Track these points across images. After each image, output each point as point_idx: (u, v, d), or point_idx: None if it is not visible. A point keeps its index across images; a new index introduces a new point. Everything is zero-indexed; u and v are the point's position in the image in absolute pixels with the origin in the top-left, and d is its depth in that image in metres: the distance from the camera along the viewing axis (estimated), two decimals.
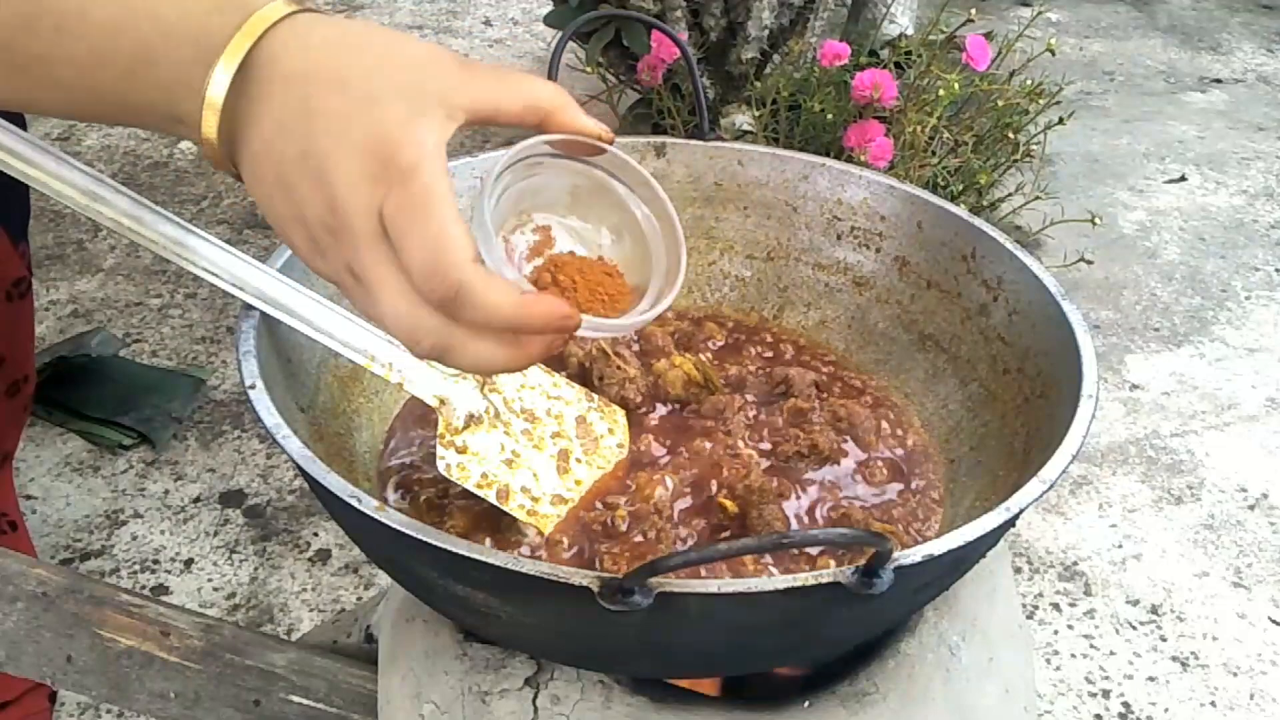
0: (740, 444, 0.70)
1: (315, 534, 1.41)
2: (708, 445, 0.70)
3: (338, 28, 0.49)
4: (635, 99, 1.99)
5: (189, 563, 1.37)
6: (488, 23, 2.95)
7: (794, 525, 0.65)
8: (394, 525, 0.51)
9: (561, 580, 0.49)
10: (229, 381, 1.66)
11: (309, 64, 0.48)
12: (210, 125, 0.48)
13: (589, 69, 1.85)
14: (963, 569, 0.61)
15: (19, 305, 1.03)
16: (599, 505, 0.66)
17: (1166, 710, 1.26)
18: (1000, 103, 1.66)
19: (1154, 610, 1.39)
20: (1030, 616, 1.37)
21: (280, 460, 1.52)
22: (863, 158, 1.49)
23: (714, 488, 0.67)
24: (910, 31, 2.07)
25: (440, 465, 0.63)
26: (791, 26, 1.88)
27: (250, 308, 0.62)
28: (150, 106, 0.50)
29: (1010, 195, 1.73)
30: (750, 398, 0.75)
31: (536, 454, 0.66)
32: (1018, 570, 1.43)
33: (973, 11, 1.60)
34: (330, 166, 0.46)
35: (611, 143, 0.54)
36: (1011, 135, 1.65)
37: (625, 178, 0.56)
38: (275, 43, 0.48)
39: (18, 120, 1.00)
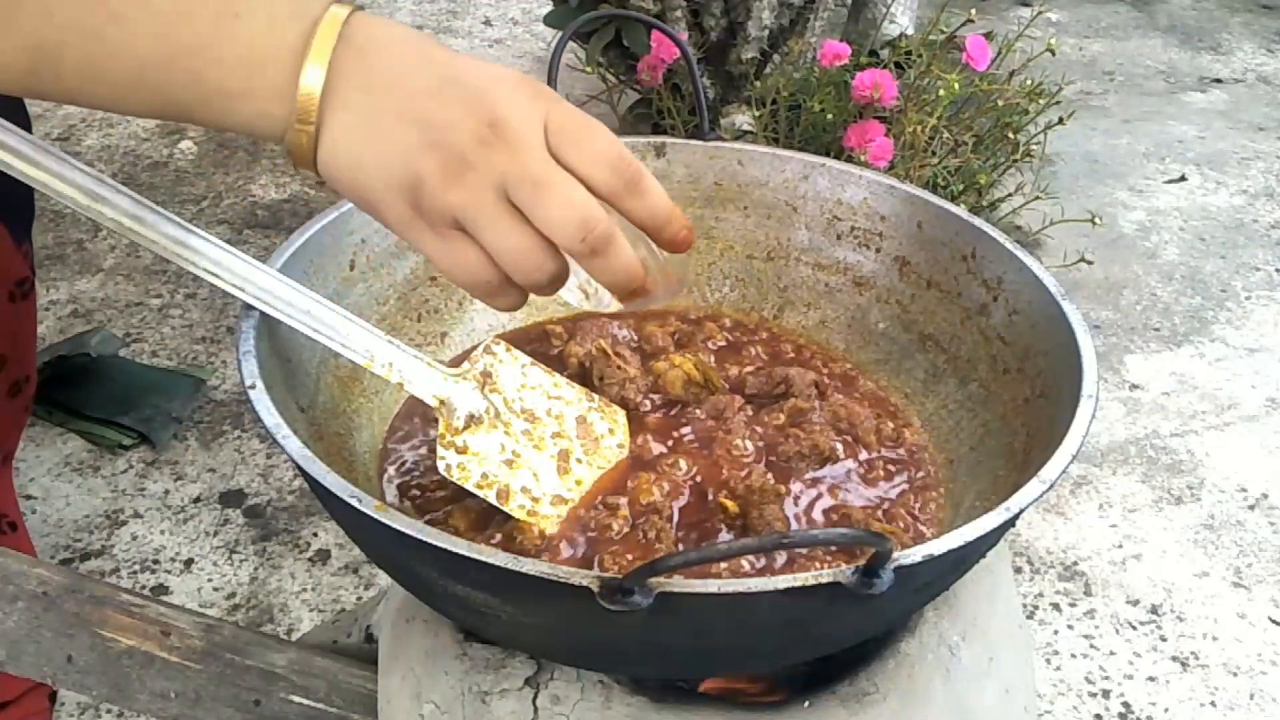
0: (740, 444, 0.70)
1: (315, 534, 1.41)
2: (708, 445, 0.70)
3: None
4: (635, 99, 1.99)
5: (189, 563, 1.37)
6: (488, 23, 2.95)
7: (794, 525, 0.65)
8: (394, 525, 0.51)
9: (561, 580, 0.49)
10: (229, 381, 1.66)
11: (404, 31, 0.52)
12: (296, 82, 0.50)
13: (589, 69, 1.85)
14: (963, 569, 0.61)
15: (22, 305, 1.03)
16: (599, 505, 0.66)
17: (1166, 710, 1.26)
18: (1000, 103, 1.66)
19: (1154, 610, 1.39)
20: (1030, 616, 1.37)
21: (280, 460, 1.52)
22: (863, 158, 1.49)
23: (714, 488, 0.67)
24: (910, 31, 2.07)
25: (440, 465, 0.63)
26: (791, 26, 1.88)
27: (250, 308, 0.62)
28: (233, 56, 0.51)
29: (1010, 195, 1.73)
30: (750, 398, 0.75)
31: (537, 454, 0.66)
32: (1018, 570, 1.43)
33: (973, 11, 1.60)
34: (485, 87, 0.50)
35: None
36: (1011, 135, 1.65)
37: None
38: (358, 19, 0.51)
39: (22, 121, 1.00)
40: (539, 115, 0.51)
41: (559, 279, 0.54)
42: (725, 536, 0.65)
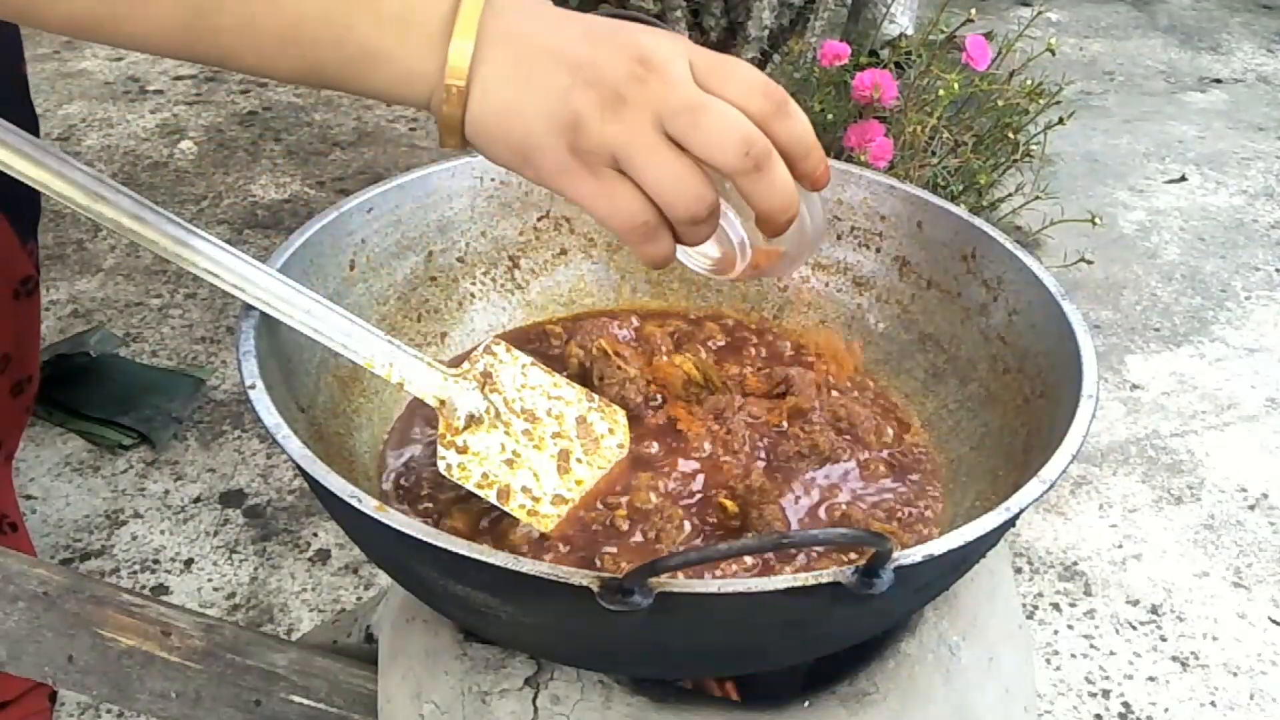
0: (740, 444, 0.70)
1: (315, 534, 1.41)
2: (708, 445, 0.70)
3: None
4: None
5: (189, 563, 1.37)
6: None
7: (794, 525, 0.65)
8: (394, 525, 0.51)
9: (561, 580, 0.49)
10: (229, 381, 1.66)
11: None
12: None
13: None
14: (963, 569, 0.61)
15: (26, 304, 1.03)
16: (599, 505, 0.66)
17: (1166, 710, 1.26)
18: (1000, 103, 1.66)
19: (1154, 610, 1.39)
20: (1030, 616, 1.37)
21: (280, 460, 1.52)
22: (863, 158, 1.49)
23: (714, 488, 0.67)
24: (910, 31, 2.07)
25: (441, 465, 0.63)
26: (791, 26, 1.88)
27: (250, 308, 0.62)
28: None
29: (1010, 195, 1.73)
30: (750, 397, 0.75)
31: (537, 454, 0.66)
32: (1018, 570, 1.43)
33: (973, 11, 1.60)
34: (628, 32, 0.52)
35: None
36: (1011, 135, 1.65)
37: None
38: None
39: (30, 124, 1.01)
40: (683, 52, 0.52)
41: (715, 214, 0.54)
42: (725, 536, 0.65)
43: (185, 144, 2.27)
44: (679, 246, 0.57)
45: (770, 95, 0.53)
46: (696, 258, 0.63)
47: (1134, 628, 1.36)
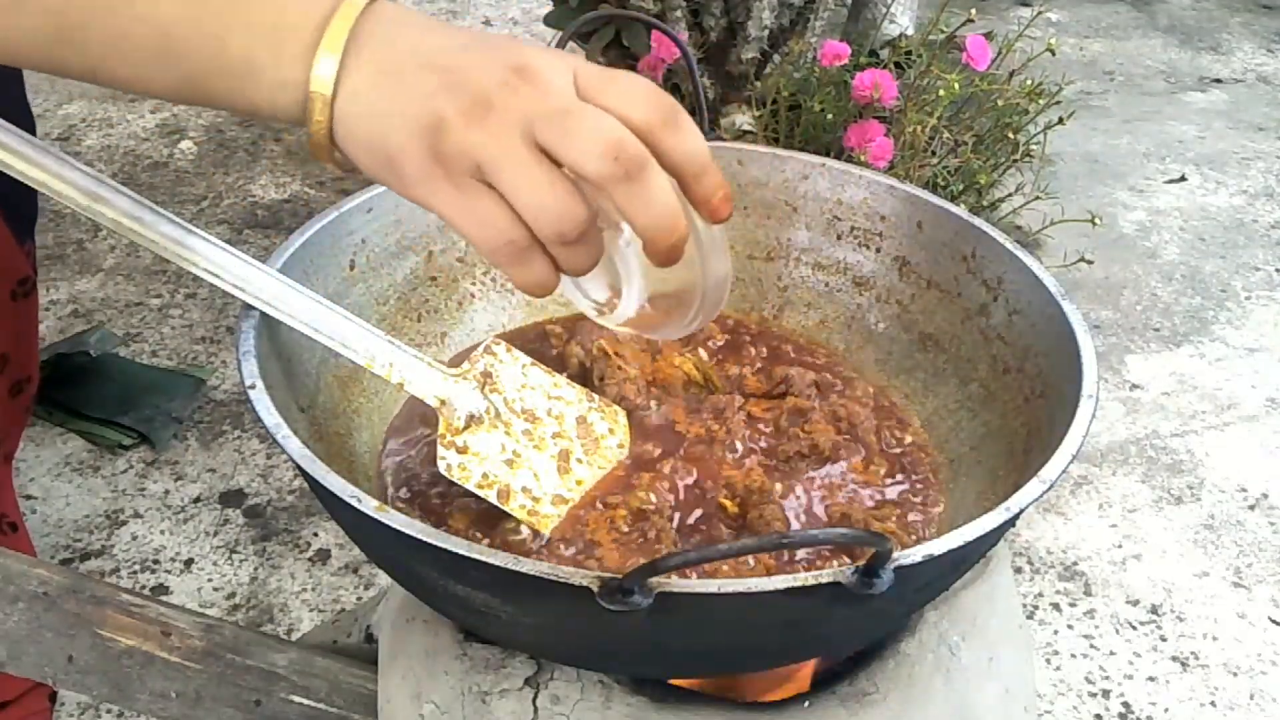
0: (740, 444, 0.70)
1: (315, 534, 1.41)
2: (707, 445, 0.70)
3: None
4: None
5: (189, 563, 1.37)
6: (488, 23, 2.96)
7: (794, 525, 0.65)
8: (394, 525, 0.51)
9: (561, 580, 0.49)
10: (229, 381, 1.66)
11: (401, 8, 0.51)
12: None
13: None
14: (963, 569, 0.61)
15: (23, 305, 1.03)
16: (599, 505, 0.66)
17: (1166, 710, 1.26)
18: (1000, 103, 1.66)
19: (1154, 610, 1.39)
20: (1030, 616, 1.37)
21: (280, 460, 1.52)
22: (863, 158, 1.49)
23: (713, 488, 0.67)
24: (910, 31, 2.07)
25: (441, 465, 0.63)
26: (791, 26, 1.88)
27: (250, 308, 0.62)
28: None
29: (1010, 195, 1.73)
30: (750, 398, 0.75)
31: (537, 454, 0.66)
32: (1018, 570, 1.43)
33: (973, 11, 1.60)
34: (515, 44, 0.50)
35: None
36: (1011, 135, 1.65)
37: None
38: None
39: (27, 123, 1.01)
40: (568, 66, 0.49)
41: (589, 237, 0.50)
42: (725, 536, 0.65)
43: (185, 144, 2.27)
44: (566, 279, 0.53)
45: (657, 105, 0.49)
46: (582, 298, 0.60)
47: (1134, 628, 1.36)
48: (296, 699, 0.73)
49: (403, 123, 0.49)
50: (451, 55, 0.50)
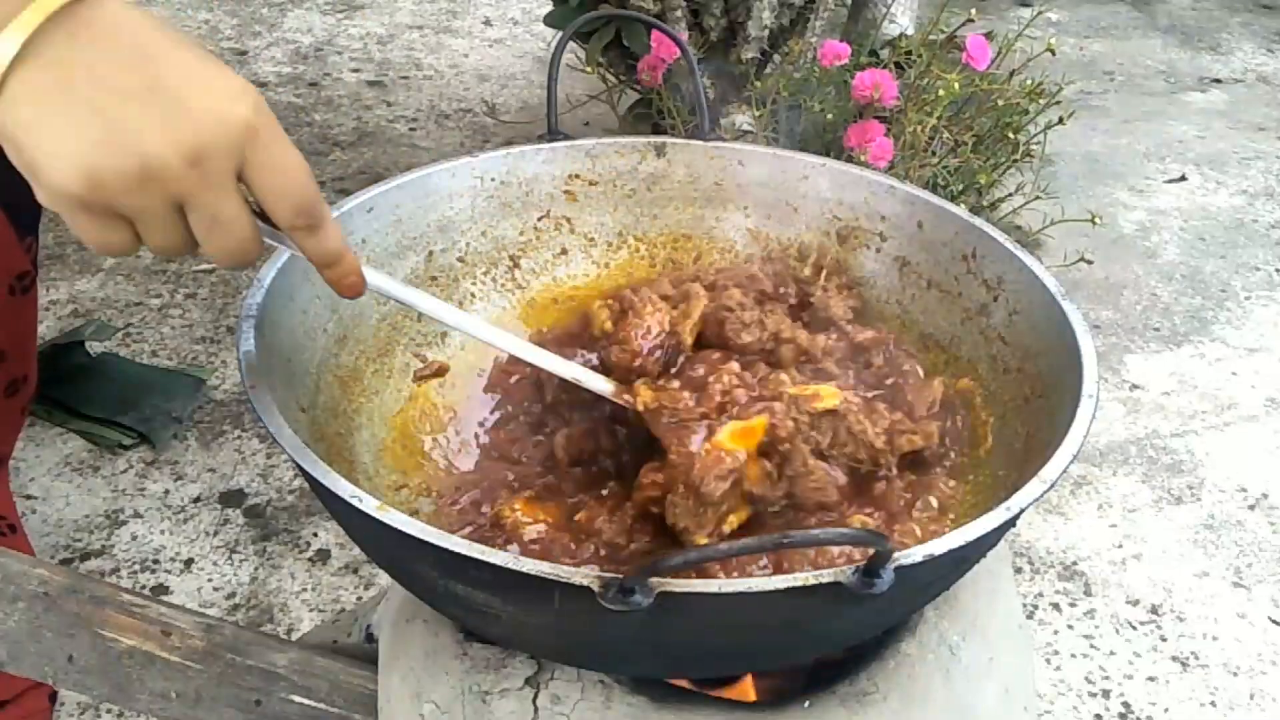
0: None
1: (315, 534, 1.41)
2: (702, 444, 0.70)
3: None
4: (635, 99, 1.99)
5: (189, 563, 1.37)
6: (488, 23, 2.96)
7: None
8: (394, 525, 0.51)
9: (562, 580, 0.49)
10: (229, 381, 1.66)
11: (143, 20, 0.50)
12: None
13: (589, 69, 1.85)
14: (963, 569, 0.61)
15: (21, 300, 1.03)
16: (599, 505, 0.66)
17: (1166, 710, 1.26)
18: (1000, 103, 1.66)
19: (1154, 610, 1.39)
20: (1030, 616, 1.37)
21: (280, 460, 1.52)
22: (863, 158, 1.49)
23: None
24: (910, 31, 2.07)
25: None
26: (791, 26, 1.88)
27: (251, 308, 0.62)
28: None
29: (1010, 195, 1.73)
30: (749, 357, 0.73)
31: None
32: (1018, 570, 1.43)
33: (973, 11, 1.60)
34: (193, 107, 0.49)
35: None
36: (1011, 135, 1.65)
37: None
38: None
39: None
40: (238, 145, 0.50)
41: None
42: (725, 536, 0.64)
43: None
44: None
45: (300, 209, 0.53)
46: None
47: (1134, 628, 1.36)
48: (297, 699, 0.73)
49: (55, 155, 0.48)
50: (127, 106, 0.48)
